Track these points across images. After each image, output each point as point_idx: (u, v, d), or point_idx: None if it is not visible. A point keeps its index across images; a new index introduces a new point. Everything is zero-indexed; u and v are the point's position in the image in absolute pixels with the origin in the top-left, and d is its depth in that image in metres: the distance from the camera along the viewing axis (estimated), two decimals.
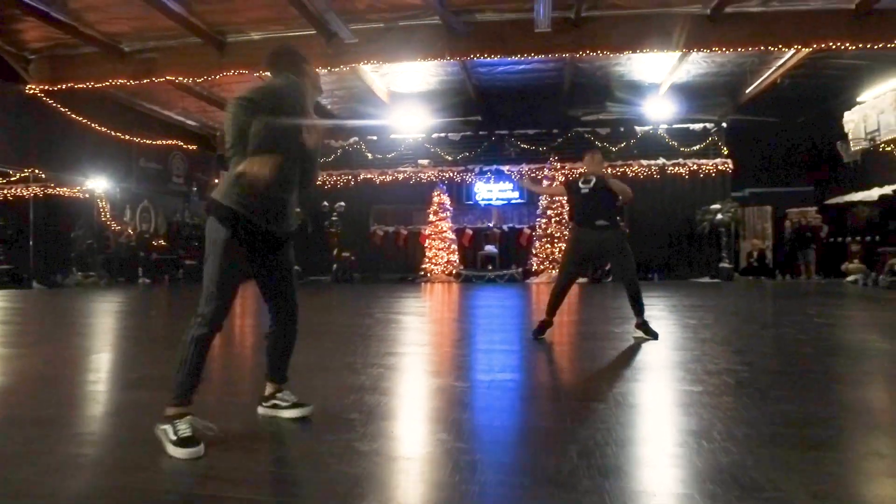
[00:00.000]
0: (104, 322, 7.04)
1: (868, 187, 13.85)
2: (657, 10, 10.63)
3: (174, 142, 17.58)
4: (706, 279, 14.20)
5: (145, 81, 12.79)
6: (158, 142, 16.99)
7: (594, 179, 4.94)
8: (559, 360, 4.37)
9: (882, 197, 13.37)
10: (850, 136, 12.69)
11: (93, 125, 14.57)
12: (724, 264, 14.22)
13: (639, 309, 4.92)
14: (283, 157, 2.32)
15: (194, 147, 18.41)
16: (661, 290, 11.23)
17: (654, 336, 4.82)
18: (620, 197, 4.88)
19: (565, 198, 5.72)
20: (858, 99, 12.69)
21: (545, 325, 5.00)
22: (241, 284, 2.46)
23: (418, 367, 3.95)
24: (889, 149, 11.77)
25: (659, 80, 14.39)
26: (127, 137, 15.89)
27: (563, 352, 4.63)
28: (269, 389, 2.69)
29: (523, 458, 2.21)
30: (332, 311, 8.17)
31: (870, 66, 12.43)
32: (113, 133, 15.27)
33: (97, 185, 14.87)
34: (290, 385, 2.72)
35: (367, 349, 4.49)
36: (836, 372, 3.80)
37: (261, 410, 2.68)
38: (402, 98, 15.69)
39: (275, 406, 2.65)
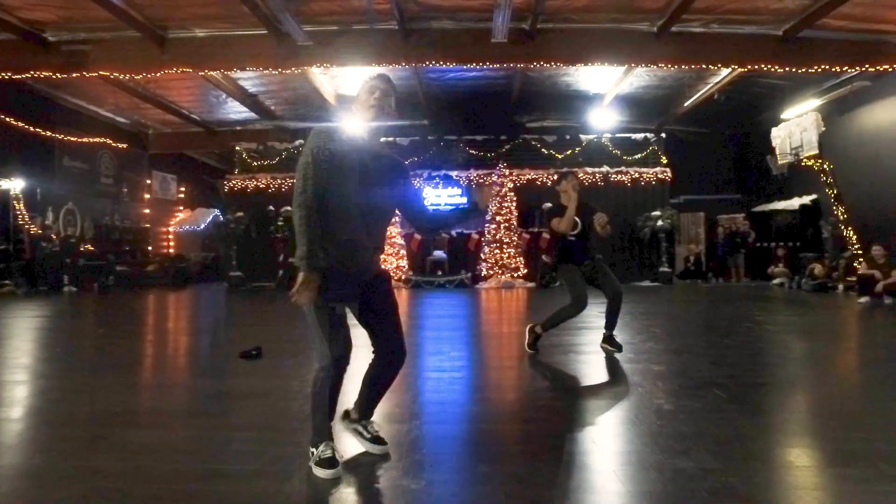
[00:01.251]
0: (20, 340, 6.46)
1: (790, 197, 14.93)
2: (608, 25, 11.00)
3: (103, 140, 16.44)
4: (647, 283, 14.82)
5: (75, 76, 11.90)
6: (85, 139, 15.84)
7: (580, 225, 4.94)
8: (544, 378, 4.41)
9: (802, 206, 14.46)
10: (777, 151, 13.65)
11: (6, 119, 13.37)
12: (664, 268, 14.91)
13: (613, 323, 5.03)
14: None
15: (125, 146, 17.30)
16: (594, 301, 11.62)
17: (619, 349, 4.94)
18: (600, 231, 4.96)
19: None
20: (782, 116, 13.66)
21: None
22: None
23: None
24: (810, 163, 12.75)
25: (604, 91, 14.89)
26: (49, 134, 14.72)
27: (539, 369, 4.68)
28: (354, 414, 2.75)
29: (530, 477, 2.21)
30: (275, 322, 7.90)
31: (792, 87, 13.43)
32: (32, 129, 14.08)
33: (12, 184, 13.64)
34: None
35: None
36: (804, 380, 4.06)
37: (350, 428, 2.74)
38: (350, 101, 15.37)
39: (359, 433, 2.70)
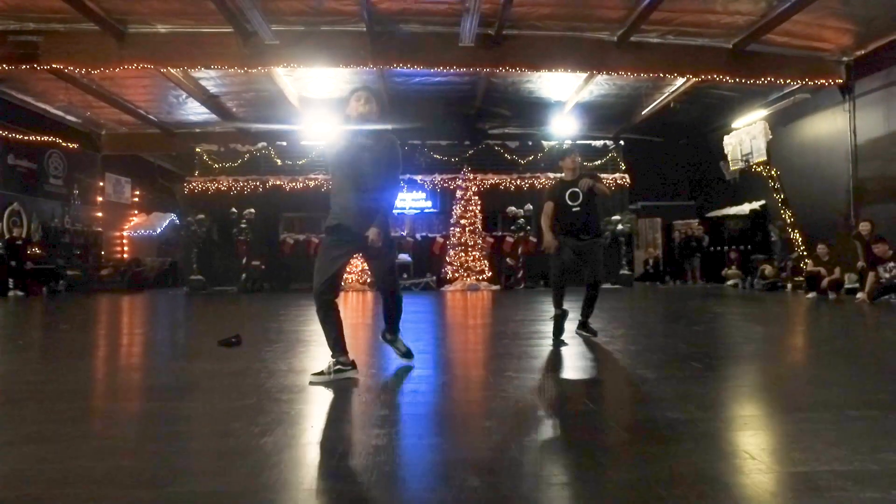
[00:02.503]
0: None
1: (741, 203, 15.71)
2: (570, 33, 11.40)
3: (51, 139, 15.75)
4: (608, 285, 15.25)
5: (24, 68, 11.43)
6: (32, 138, 15.14)
7: (581, 195, 4.94)
8: (528, 358, 4.52)
9: (752, 211, 15.23)
10: (729, 157, 14.37)
11: None
12: (625, 271, 15.38)
13: (590, 311, 5.19)
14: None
15: (75, 146, 16.62)
16: (572, 295, 11.92)
17: (594, 334, 5.08)
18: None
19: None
20: (733, 125, 14.42)
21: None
22: None
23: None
24: (759, 170, 13.49)
25: (565, 99, 15.34)
26: None
27: (519, 351, 4.79)
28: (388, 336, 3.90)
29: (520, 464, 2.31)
30: (241, 320, 7.78)
31: (741, 98, 14.23)
32: None
33: None
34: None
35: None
36: (773, 355, 4.32)
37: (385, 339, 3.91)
38: (313, 104, 15.32)
39: (392, 343, 3.88)
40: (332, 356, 3.33)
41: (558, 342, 4.78)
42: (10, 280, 13.46)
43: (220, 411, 2.78)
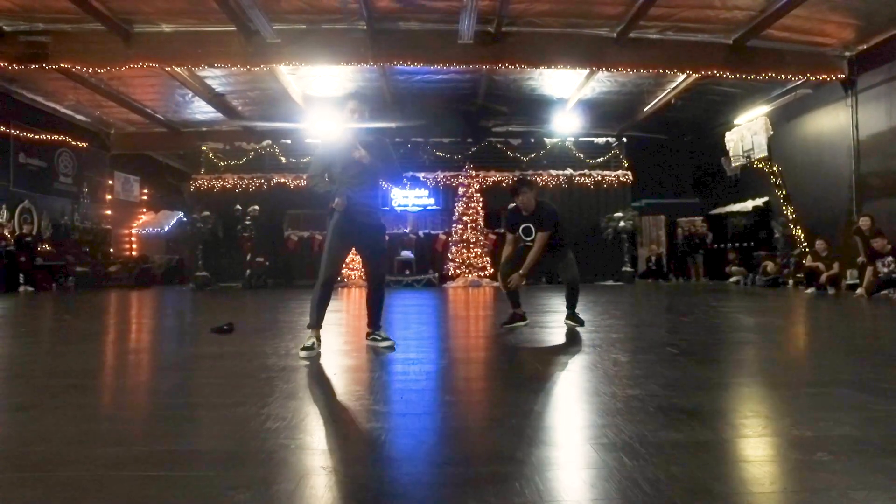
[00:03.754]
0: None
1: (744, 199, 15.65)
2: (569, 30, 11.45)
3: (61, 138, 16.05)
4: (610, 282, 15.28)
5: (33, 68, 11.68)
6: (42, 136, 15.45)
7: (534, 232, 4.97)
8: (511, 344, 4.61)
9: (755, 208, 15.18)
10: (731, 153, 14.33)
11: None
12: (626, 268, 15.39)
13: (573, 303, 5.22)
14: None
15: (85, 144, 16.92)
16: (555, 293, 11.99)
17: (581, 323, 5.14)
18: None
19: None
20: (735, 121, 14.38)
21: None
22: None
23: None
24: (761, 166, 13.45)
25: (567, 96, 15.38)
26: (2, 129, 14.30)
27: (506, 338, 4.88)
28: (368, 330, 4.14)
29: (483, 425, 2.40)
30: (244, 311, 7.92)
31: (742, 94, 14.17)
32: None
33: None
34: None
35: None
36: (751, 340, 4.38)
37: (367, 342, 4.09)
38: (317, 102, 15.49)
39: (374, 339, 4.06)
40: (313, 328, 3.79)
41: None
42: (21, 276, 13.75)
43: (196, 385, 2.90)
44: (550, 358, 3.75)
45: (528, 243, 4.99)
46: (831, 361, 3.51)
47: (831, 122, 12.34)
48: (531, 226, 4.96)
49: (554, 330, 5.08)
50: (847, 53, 11.76)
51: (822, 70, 11.80)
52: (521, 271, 4.92)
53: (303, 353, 3.61)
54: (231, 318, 5.56)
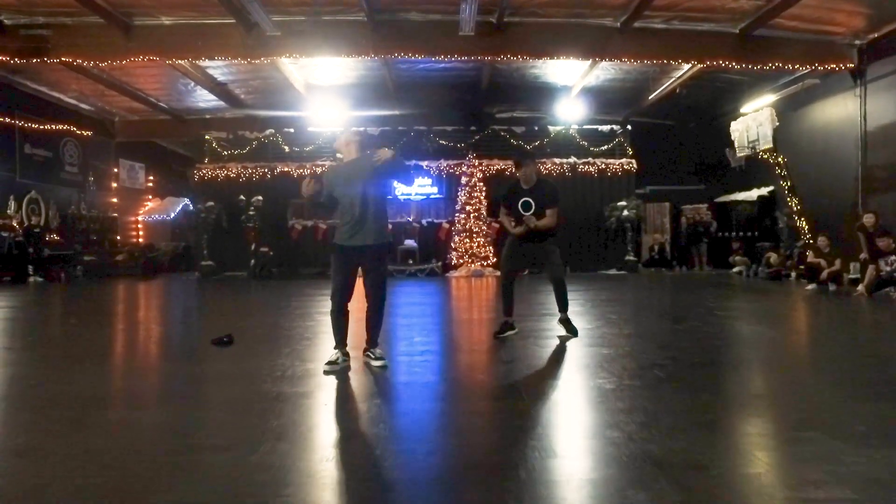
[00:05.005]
0: None
1: (749, 188, 15.53)
2: (573, 20, 11.28)
3: (66, 127, 16.12)
4: (613, 271, 15.29)
5: (35, 61, 11.69)
6: (47, 126, 15.51)
7: (534, 206, 5.07)
8: (501, 363, 4.69)
9: (760, 197, 15.07)
10: (735, 144, 14.18)
11: None
12: (630, 257, 15.38)
13: (563, 306, 5.30)
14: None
15: (89, 133, 16.98)
16: (574, 283, 11.99)
17: (574, 333, 5.20)
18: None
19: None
20: (741, 110, 14.19)
21: (507, 325, 5.28)
22: None
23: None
24: (766, 156, 13.31)
25: (571, 83, 15.21)
26: (7, 120, 14.38)
27: (495, 351, 4.95)
28: (364, 346, 4.23)
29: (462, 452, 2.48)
30: (247, 312, 8.05)
31: (749, 83, 13.95)
32: None
33: None
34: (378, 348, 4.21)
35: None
36: (740, 361, 4.43)
37: (362, 358, 4.18)
38: (319, 90, 15.43)
39: (368, 356, 4.15)
40: (337, 346, 4.04)
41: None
42: (30, 267, 13.95)
43: (190, 421, 2.99)
44: (535, 384, 3.82)
45: (525, 216, 5.06)
46: (828, 394, 3.54)
47: (839, 113, 12.16)
48: (530, 200, 5.05)
49: (546, 342, 5.14)
50: (857, 42, 11.54)
51: (831, 59, 11.59)
52: (532, 223, 4.97)
53: (326, 367, 3.93)
54: (233, 318, 5.67)
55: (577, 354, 4.62)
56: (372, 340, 4.22)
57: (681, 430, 2.77)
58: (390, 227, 4.52)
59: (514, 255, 5.30)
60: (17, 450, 2.58)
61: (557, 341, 5.13)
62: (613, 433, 2.70)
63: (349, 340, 4.15)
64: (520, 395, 3.43)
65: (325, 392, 3.58)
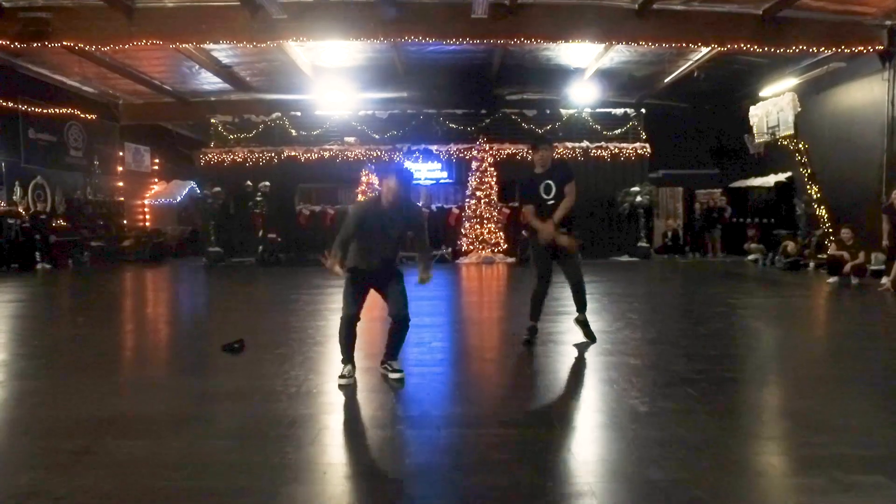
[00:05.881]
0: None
1: (766, 173, 15.16)
2: (588, 1, 10.88)
3: (70, 111, 15.88)
4: (626, 258, 15.05)
5: (35, 46, 11.40)
6: (51, 110, 15.27)
7: (554, 189, 4.92)
8: (522, 376, 4.51)
9: (777, 183, 14.70)
10: (754, 130, 13.76)
11: None
12: (643, 243, 15.12)
13: (582, 306, 5.13)
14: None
15: (93, 116, 16.74)
16: (587, 272, 11.78)
17: (592, 339, 5.05)
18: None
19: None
20: (761, 94, 13.74)
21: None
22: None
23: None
24: (785, 143, 12.92)
25: (584, 65, 14.79)
26: (11, 105, 14.16)
27: (517, 364, 4.77)
28: (383, 358, 4.21)
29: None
30: (257, 307, 7.91)
31: (770, 66, 13.48)
32: None
33: None
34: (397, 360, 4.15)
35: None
36: (777, 376, 4.24)
37: (380, 369, 4.19)
38: (327, 73, 15.08)
39: (385, 369, 4.14)
40: (347, 363, 4.05)
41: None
42: (38, 253, 13.86)
43: (201, 455, 2.84)
44: (562, 405, 3.64)
45: (549, 202, 4.89)
46: (889, 423, 3.33)
47: (864, 97, 11.73)
48: (551, 182, 4.92)
49: (566, 348, 4.96)
50: (888, 23, 11.04)
51: (859, 41, 11.12)
52: (554, 220, 4.83)
53: (341, 381, 3.97)
54: (243, 315, 5.52)
55: (602, 364, 4.44)
56: (391, 354, 4.17)
57: (725, 471, 2.59)
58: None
59: (543, 254, 5.03)
60: (21, 492, 2.43)
61: (576, 351, 4.94)
62: (655, 474, 2.53)
63: (369, 349, 3.98)
64: (548, 421, 3.25)
65: (341, 414, 3.42)
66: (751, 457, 2.79)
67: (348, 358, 4.05)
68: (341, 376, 3.98)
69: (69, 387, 4.01)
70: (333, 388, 3.88)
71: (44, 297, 9.56)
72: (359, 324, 4.05)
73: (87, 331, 6.21)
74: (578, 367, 4.46)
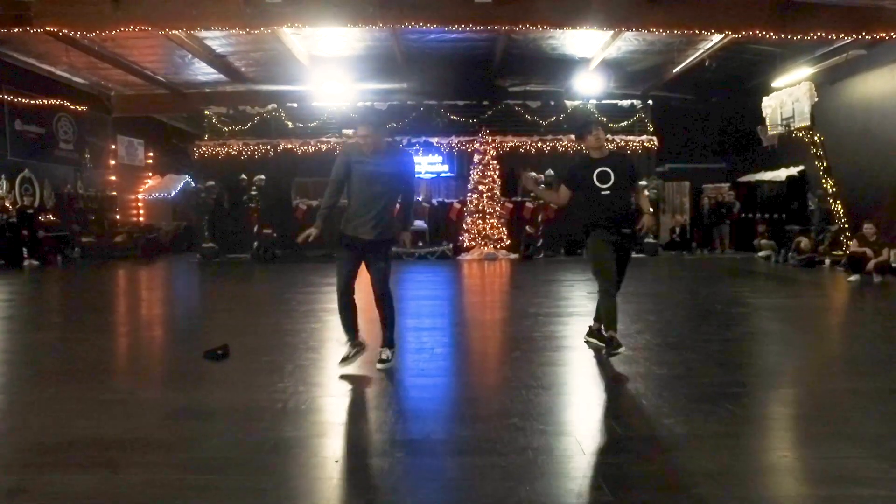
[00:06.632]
0: None
1: (777, 168, 14.69)
2: None
3: (59, 101, 15.36)
4: (633, 254, 14.57)
5: (16, 31, 10.89)
6: (39, 101, 14.77)
7: (613, 175, 4.20)
8: (535, 389, 4.06)
9: (789, 177, 14.24)
10: (768, 121, 13.27)
11: None
12: (650, 240, 14.65)
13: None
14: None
15: (84, 108, 16.22)
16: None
17: (613, 349, 4.20)
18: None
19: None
20: (774, 84, 13.24)
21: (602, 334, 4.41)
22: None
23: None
24: (800, 135, 12.43)
25: (590, 55, 14.30)
26: None
27: (529, 376, 4.31)
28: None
29: None
30: (248, 308, 7.45)
31: (784, 55, 12.98)
32: None
33: None
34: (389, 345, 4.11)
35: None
36: (826, 387, 3.79)
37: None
38: (324, 62, 14.57)
39: (379, 356, 4.07)
40: (348, 341, 4.02)
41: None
42: (25, 249, 13.37)
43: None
44: (590, 425, 3.19)
45: (603, 191, 4.20)
46: None
47: (884, 87, 11.27)
48: (608, 170, 4.21)
49: (582, 354, 4.50)
50: None
51: (880, 27, 10.61)
52: (648, 213, 4.41)
53: (341, 364, 3.99)
54: (232, 316, 5.07)
55: (628, 373, 3.97)
56: (384, 339, 4.12)
57: None
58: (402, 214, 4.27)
59: (606, 250, 4.33)
60: None
61: (593, 352, 4.49)
62: None
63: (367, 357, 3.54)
64: (577, 447, 2.79)
65: (332, 438, 2.96)
66: (823, 497, 2.34)
67: (349, 336, 3.99)
68: (343, 358, 3.97)
69: (23, 405, 3.54)
70: (326, 404, 3.44)
71: (24, 296, 9.10)
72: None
73: (59, 335, 5.75)
74: (602, 377, 4.00)
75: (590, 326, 4.72)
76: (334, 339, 4.72)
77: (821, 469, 2.55)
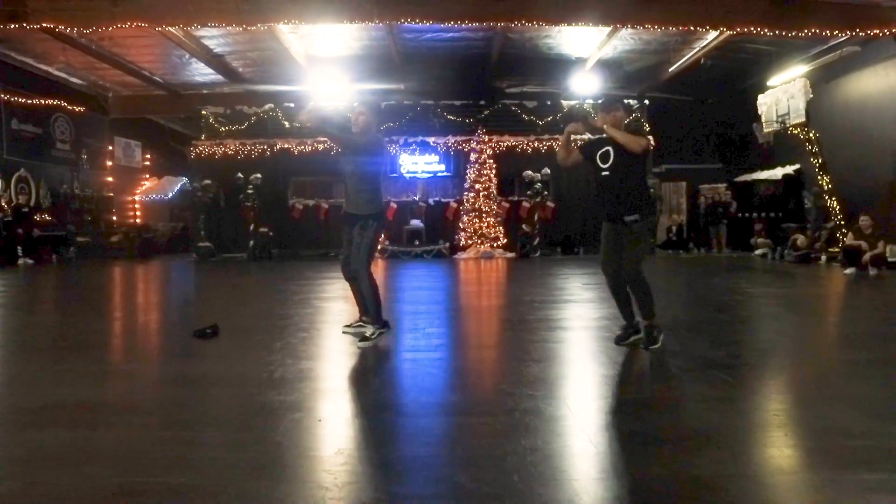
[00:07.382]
0: None
1: (773, 166, 14.70)
2: None
3: (56, 102, 15.35)
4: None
5: (12, 27, 10.88)
6: (35, 101, 14.76)
7: (612, 155, 3.87)
8: (531, 361, 4.02)
9: (785, 176, 14.25)
10: (763, 118, 13.30)
11: None
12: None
13: (643, 310, 3.94)
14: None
15: (81, 109, 16.22)
16: (591, 266, 11.33)
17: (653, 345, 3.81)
18: (631, 147, 3.74)
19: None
20: (769, 83, 13.28)
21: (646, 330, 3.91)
22: None
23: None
24: (796, 132, 12.46)
25: (586, 55, 14.34)
26: None
27: (526, 351, 4.28)
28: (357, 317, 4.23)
29: None
30: (243, 300, 7.41)
31: (779, 52, 13.02)
32: None
33: None
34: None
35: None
36: (811, 361, 3.75)
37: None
38: (321, 62, 14.59)
39: (360, 327, 4.12)
40: (365, 318, 4.11)
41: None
42: (19, 248, 13.32)
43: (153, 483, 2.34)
44: (577, 390, 3.14)
45: (603, 172, 3.93)
46: None
47: (879, 84, 11.30)
48: (611, 149, 3.92)
49: (575, 334, 4.47)
50: None
51: (875, 24, 10.65)
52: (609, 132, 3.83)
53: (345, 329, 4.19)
54: (225, 304, 5.03)
55: (622, 350, 3.93)
56: (361, 309, 4.19)
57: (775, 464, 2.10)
58: (382, 201, 4.41)
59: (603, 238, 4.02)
60: None
61: (589, 332, 4.46)
62: (694, 470, 2.03)
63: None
64: (566, 409, 2.75)
65: (317, 401, 2.93)
66: (812, 447, 2.30)
67: (363, 311, 4.13)
68: (361, 338, 4.07)
69: (7, 377, 3.50)
70: (313, 375, 3.40)
71: (17, 288, 9.05)
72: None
73: (50, 318, 5.71)
74: (593, 354, 3.96)
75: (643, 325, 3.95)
76: (328, 322, 4.70)
77: (811, 425, 2.52)
